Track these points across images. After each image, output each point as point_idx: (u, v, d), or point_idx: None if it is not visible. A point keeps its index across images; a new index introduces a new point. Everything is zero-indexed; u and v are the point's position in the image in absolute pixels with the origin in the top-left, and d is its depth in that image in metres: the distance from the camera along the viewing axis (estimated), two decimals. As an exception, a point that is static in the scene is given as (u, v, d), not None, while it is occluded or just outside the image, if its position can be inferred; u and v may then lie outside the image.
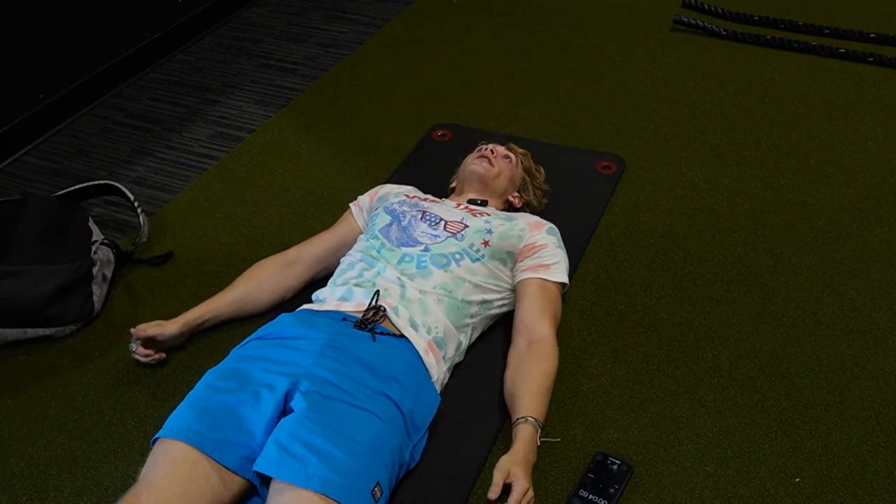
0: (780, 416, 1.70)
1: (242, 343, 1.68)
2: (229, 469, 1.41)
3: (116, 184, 2.28)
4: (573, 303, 1.99)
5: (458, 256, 1.79)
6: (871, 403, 1.72)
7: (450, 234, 1.83)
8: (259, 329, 1.69)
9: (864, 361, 1.82)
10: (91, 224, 2.11)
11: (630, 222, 2.24)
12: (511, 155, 2.11)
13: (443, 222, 1.86)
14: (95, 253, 2.03)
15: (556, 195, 2.26)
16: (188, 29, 3.31)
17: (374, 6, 3.54)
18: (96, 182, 2.30)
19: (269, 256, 1.99)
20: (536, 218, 1.98)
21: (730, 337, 1.89)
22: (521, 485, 1.47)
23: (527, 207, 2.13)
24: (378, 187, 2.10)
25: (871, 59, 2.89)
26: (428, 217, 1.87)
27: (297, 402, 1.47)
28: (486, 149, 2.09)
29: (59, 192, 2.29)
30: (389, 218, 1.89)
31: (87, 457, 1.70)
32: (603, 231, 2.21)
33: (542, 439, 1.59)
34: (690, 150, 2.52)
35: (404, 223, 1.86)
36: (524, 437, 1.56)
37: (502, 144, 2.16)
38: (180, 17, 3.25)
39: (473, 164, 2.06)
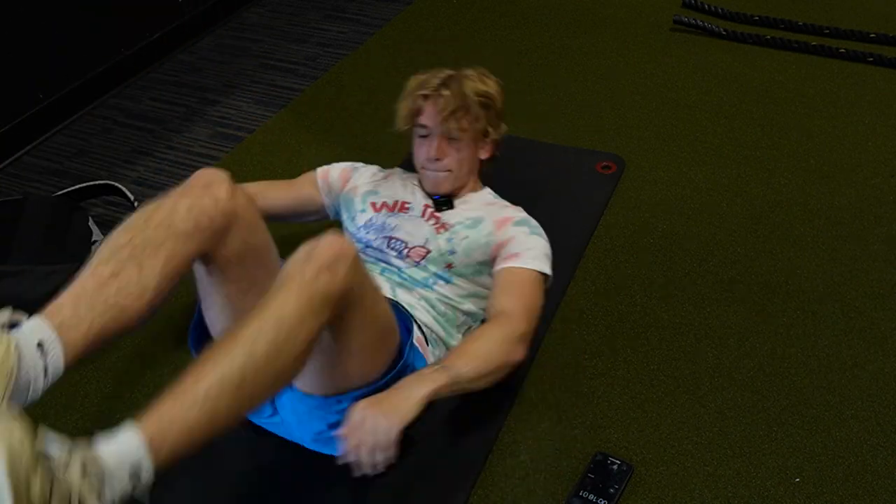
0: (780, 416, 1.70)
1: None
2: None
3: (116, 184, 2.28)
4: (573, 303, 1.99)
5: (430, 281, 1.74)
6: (871, 403, 1.72)
7: (415, 263, 1.74)
8: None
9: (864, 361, 1.82)
10: (91, 224, 2.11)
11: (630, 222, 2.24)
12: (455, 140, 1.83)
13: (406, 249, 1.76)
14: (95, 253, 2.03)
15: (556, 195, 2.26)
16: (188, 29, 3.31)
17: (374, 6, 3.54)
18: (96, 182, 2.30)
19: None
20: (505, 211, 1.82)
21: (730, 337, 1.89)
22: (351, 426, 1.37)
23: (497, 149, 1.95)
24: (350, 171, 2.02)
25: (871, 59, 2.89)
26: (394, 244, 1.78)
27: None
28: (430, 158, 1.82)
29: (59, 192, 2.29)
30: (361, 245, 1.82)
31: (87, 457, 1.69)
32: (603, 231, 2.21)
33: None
34: (690, 150, 2.52)
35: (375, 246, 1.79)
36: (405, 382, 1.44)
37: (445, 114, 1.82)
38: (180, 17, 3.25)
39: (426, 180, 1.88)
